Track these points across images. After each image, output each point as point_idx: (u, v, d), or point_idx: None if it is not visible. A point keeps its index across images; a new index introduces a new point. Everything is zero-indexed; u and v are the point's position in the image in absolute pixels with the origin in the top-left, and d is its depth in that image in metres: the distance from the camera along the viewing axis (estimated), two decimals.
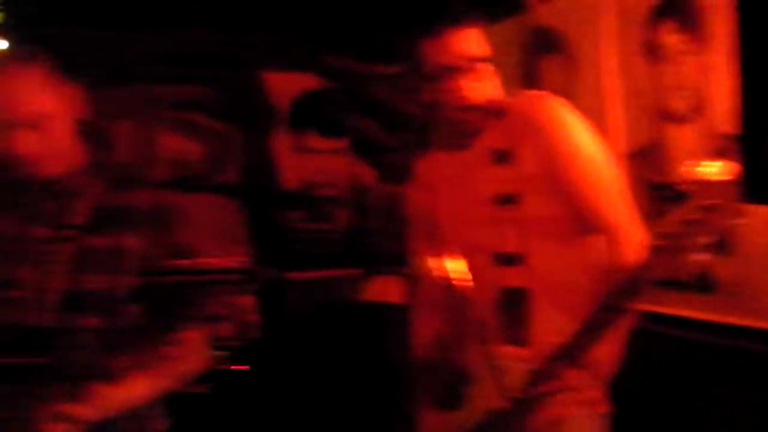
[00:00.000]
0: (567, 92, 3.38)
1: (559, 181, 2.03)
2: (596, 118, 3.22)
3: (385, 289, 4.41)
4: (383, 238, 4.74)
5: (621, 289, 1.77)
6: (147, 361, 1.94)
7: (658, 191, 2.95)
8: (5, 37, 4.76)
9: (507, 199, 2.05)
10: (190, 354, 2.00)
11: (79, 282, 1.96)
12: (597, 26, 3.27)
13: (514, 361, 1.96)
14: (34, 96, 1.93)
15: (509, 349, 2.00)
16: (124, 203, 2.03)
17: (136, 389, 1.94)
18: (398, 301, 4.29)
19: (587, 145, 2.06)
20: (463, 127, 2.09)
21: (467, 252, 2.07)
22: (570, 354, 1.84)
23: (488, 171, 2.08)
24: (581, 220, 2.06)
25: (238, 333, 2.02)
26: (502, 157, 2.06)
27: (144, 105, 5.27)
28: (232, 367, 3.82)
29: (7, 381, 1.90)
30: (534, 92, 2.16)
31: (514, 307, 2.05)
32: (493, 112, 2.08)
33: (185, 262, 1.99)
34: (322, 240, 5.20)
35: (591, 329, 1.82)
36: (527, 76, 3.71)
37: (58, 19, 4.70)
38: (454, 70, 2.02)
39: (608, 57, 3.23)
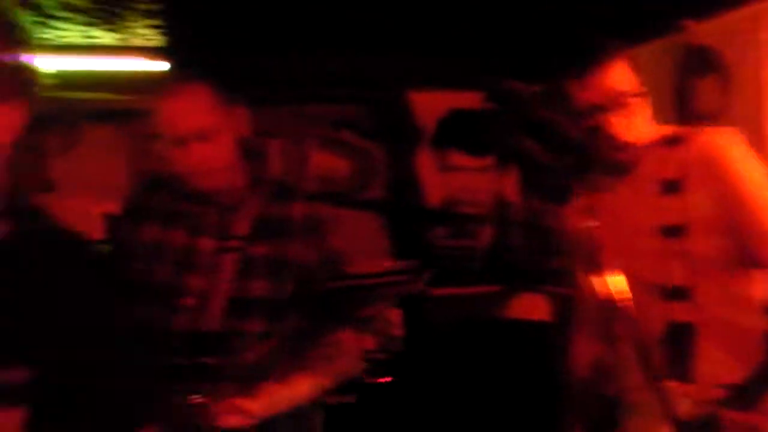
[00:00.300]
0: (724, 113, 3.32)
1: (731, 216, 1.99)
2: (755, 138, 3.18)
3: (531, 307, 4.40)
4: (527, 256, 4.74)
5: None
6: (307, 361, 2.04)
7: None
8: (166, 59, 5.05)
9: (674, 231, 2.01)
10: (345, 355, 2.06)
11: (244, 289, 2.06)
12: (757, 44, 3.20)
13: (678, 397, 1.92)
14: (203, 112, 2.08)
15: (673, 385, 1.96)
16: (282, 214, 2.14)
17: (299, 388, 2.03)
18: (545, 319, 4.28)
19: (761, 180, 2.01)
20: (617, 163, 2.06)
21: (631, 282, 2.06)
22: (747, 398, 1.81)
23: (656, 201, 2.05)
24: (753, 257, 2.01)
25: (383, 346, 2.07)
26: (672, 187, 2.03)
27: (296, 124, 5.46)
28: (376, 380, 3.89)
29: (183, 380, 2.01)
30: (712, 127, 2.11)
31: (679, 342, 2.01)
32: (667, 141, 2.06)
33: (342, 269, 2.06)
34: (465, 257, 5.23)
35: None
36: (681, 97, 3.64)
37: (216, 42, 4.93)
38: (603, 108, 1.98)
39: (766, 74, 3.15)
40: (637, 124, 2.03)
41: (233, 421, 1.90)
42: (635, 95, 2.02)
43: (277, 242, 2.11)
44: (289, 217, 2.14)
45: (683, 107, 3.56)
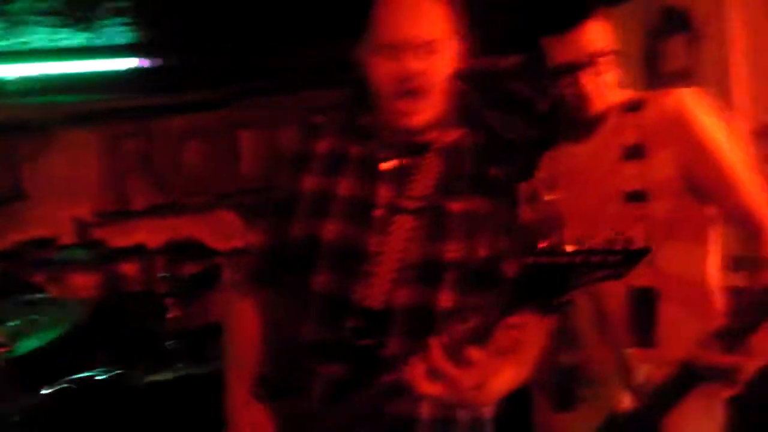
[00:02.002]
0: (692, 71, 3.28)
1: (694, 174, 1.98)
2: (722, 95, 3.13)
3: None
4: None
5: None
6: (501, 343, 1.66)
7: None
8: (138, 57, 4.99)
9: (636, 196, 1.99)
10: (535, 340, 1.77)
11: (436, 252, 1.73)
12: (723, 3, 3.15)
13: (641, 363, 1.91)
14: (436, 21, 1.76)
15: (634, 351, 1.94)
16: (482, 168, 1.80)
17: (504, 375, 1.70)
18: None
19: (722, 137, 1.99)
20: (586, 120, 2.05)
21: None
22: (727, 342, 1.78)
23: (618, 167, 2.03)
24: (719, 211, 2.00)
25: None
26: (633, 153, 2.01)
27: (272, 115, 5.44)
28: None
29: (364, 358, 1.70)
30: (671, 89, 2.08)
31: (641, 307, 1.98)
32: (627, 107, 2.04)
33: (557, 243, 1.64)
34: None
35: (746, 323, 1.76)
36: (651, 57, 3.60)
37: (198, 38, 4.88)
38: (578, 67, 1.98)
39: (735, 33, 3.09)
40: (607, 86, 2.01)
41: (435, 389, 1.57)
42: (608, 54, 2.01)
43: (477, 196, 1.77)
44: (488, 173, 1.77)
45: (652, 68, 3.52)
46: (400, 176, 1.78)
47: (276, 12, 4.54)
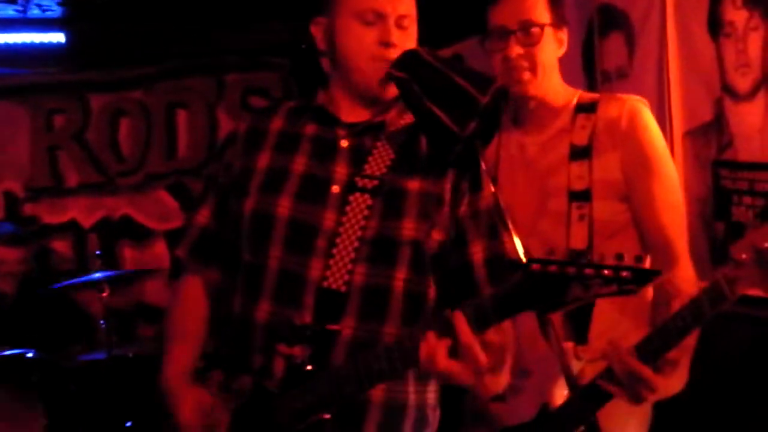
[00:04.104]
0: (627, 69, 3.34)
1: (633, 190, 2.04)
2: (656, 94, 3.21)
3: None
4: None
5: (697, 305, 1.71)
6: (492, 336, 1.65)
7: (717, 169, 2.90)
8: (65, 31, 4.88)
9: (581, 195, 2.03)
10: (512, 333, 1.78)
11: (393, 230, 1.72)
12: (659, 3, 3.21)
13: (574, 359, 1.94)
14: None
15: (569, 346, 1.97)
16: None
17: (508, 365, 1.75)
18: None
19: (668, 162, 2.07)
20: (531, 108, 2.09)
21: (534, 244, 2.05)
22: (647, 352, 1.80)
23: (565, 165, 2.07)
24: (643, 233, 2.06)
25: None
26: (581, 153, 2.06)
27: (207, 93, 5.38)
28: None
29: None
30: (624, 95, 2.14)
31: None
32: (580, 106, 2.09)
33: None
34: None
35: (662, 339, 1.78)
36: (587, 56, 3.66)
37: (118, 13, 4.79)
38: (508, 32, 2.02)
39: (670, 33, 3.17)
40: (542, 63, 2.05)
41: (455, 366, 1.55)
42: (542, 27, 2.05)
43: (432, 178, 1.76)
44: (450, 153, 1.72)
45: (589, 66, 3.57)
46: (356, 155, 1.78)
47: None
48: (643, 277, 1.38)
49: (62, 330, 4.12)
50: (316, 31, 1.84)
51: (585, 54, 3.66)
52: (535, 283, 1.45)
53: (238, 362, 1.77)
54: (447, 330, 1.54)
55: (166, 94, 5.32)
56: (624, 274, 1.37)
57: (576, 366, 1.92)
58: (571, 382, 1.71)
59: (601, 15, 3.59)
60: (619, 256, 1.38)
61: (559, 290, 1.44)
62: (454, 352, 1.54)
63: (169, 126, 5.37)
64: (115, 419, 3.74)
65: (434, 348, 1.54)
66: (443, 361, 1.54)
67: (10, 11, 4.71)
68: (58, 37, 4.81)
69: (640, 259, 1.38)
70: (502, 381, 1.74)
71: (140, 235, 5.15)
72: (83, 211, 5.17)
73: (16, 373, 3.53)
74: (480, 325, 1.54)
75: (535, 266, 1.43)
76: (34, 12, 4.75)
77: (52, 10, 4.74)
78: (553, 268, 1.41)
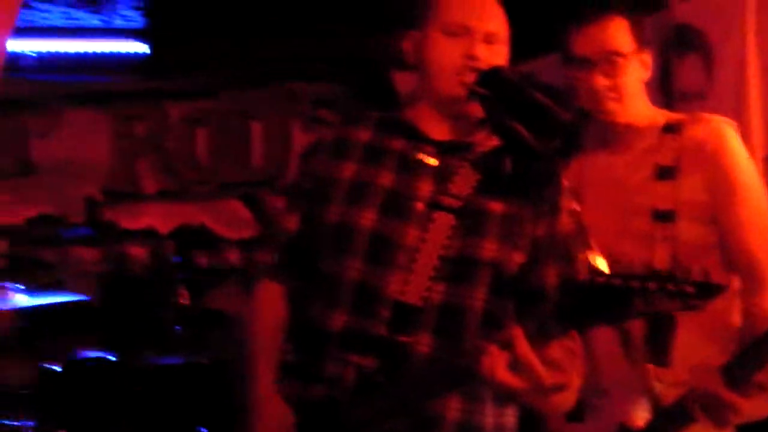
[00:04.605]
0: (705, 90, 3.30)
1: (719, 213, 2.02)
2: (735, 117, 3.15)
3: None
4: None
5: None
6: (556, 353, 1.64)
7: None
8: (147, 41, 5.01)
9: (664, 216, 2.02)
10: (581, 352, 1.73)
11: (474, 250, 1.73)
12: (739, 24, 3.18)
13: (655, 381, 1.94)
14: (498, 15, 1.84)
15: (650, 369, 1.97)
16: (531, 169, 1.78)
17: (575, 384, 1.70)
18: None
19: (755, 184, 2.04)
20: (619, 129, 2.07)
21: (615, 262, 2.05)
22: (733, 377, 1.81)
23: (649, 185, 2.05)
24: (729, 257, 2.04)
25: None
26: (666, 173, 2.04)
27: (280, 103, 5.46)
28: None
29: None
30: (711, 116, 2.12)
31: (659, 326, 1.99)
32: (665, 127, 2.07)
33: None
34: None
35: (752, 361, 1.79)
36: (664, 76, 3.63)
37: (198, 24, 4.89)
38: (592, 63, 2.00)
39: (750, 56, 3.13)
40: (628, 92, 2.03)
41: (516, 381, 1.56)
42: (628, 57, 2.01)
43: (516, 201, 1.76)
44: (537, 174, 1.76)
45: (666, 86, 3.55)
46: (442, 173, 1.78)
47: (295, 1, 4.58)
48: (707, 292, 1.36)
49: (137, 333, 4.21)
50: (407, 44, 1.85)
51: (661, 73, 3.63)
52: (598, 295, 1.45)
53: (310, 370, 1.78)
54: (508, 344, 1.55)
55: (240, 104, 5.43)
56: (688, 289, 1.36)
57: (657, 389, 1.92)
58: (653, 404, 1.71)
59: (677, 35, 3.57)
60: (704, 272, 1.38)
61: (621, 303, 1.44)
62: (515, 366, 1.55)
63: (243, 136, 5.47)
64: (189, 424, 3.80)
65: (495, 360, 1.55)
66: (502, 373, 1.55)
67: (95, 21, 4.86)
68: (140, 47, 4.94)
69: (707, 273, 1.37)
70: (569, 400, 1.72)
71: (214, 243, 5.24)
72: (160, 218, 5.28)
73: (97, 375, 3.62)
74: (541, 339, 1.55)
75: (599, 279, 1.44)
76: (118, 22, 4.89)
77: (134, 21, 4.87)
78: (617, 281, 1.41)
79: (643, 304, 1.41)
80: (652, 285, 1.39)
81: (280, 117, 5.45)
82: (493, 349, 1.56)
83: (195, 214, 5.31)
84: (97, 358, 3.67)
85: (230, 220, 5.30)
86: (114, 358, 3.69)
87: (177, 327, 4.03)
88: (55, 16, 4.78)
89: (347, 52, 5.14)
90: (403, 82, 5.13)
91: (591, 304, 1.49)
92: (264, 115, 5.46)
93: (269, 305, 1.93)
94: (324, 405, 1.73)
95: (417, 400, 1.66)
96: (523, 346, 1.54)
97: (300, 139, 5.30)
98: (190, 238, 5.19)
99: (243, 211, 5.31)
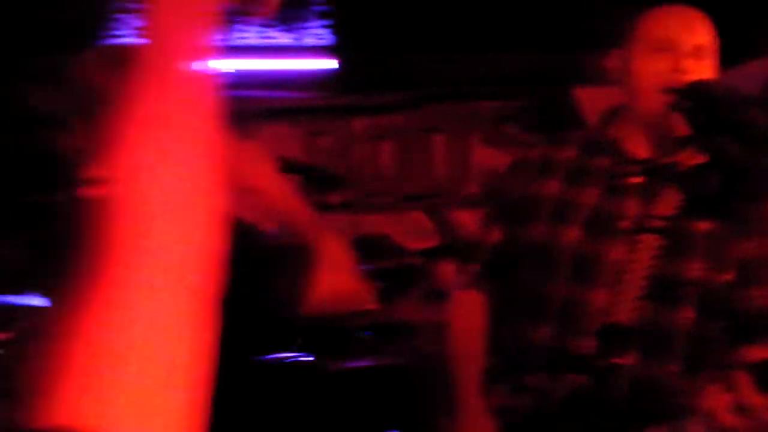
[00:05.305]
0: None
1: None
2: None
3: None
4: None
5: None
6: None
7: None
8: (335, 58, 5.22)
9: None
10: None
11: (679, 270, 1.74)
12: None
13: None
14: (705, 29, 1.82)
15: None
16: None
17: None
18: None
19: None
20: None
21: None
22: None
23: None
24: None
25: None
26: None
27: (460, 120, 5.54)
28: None
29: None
30: None
31: None
32: None
33: None
34: None
35: None
36: None
37: (382, 41, 5.05)
38: None
39: None
40: None
41: (741, 423, 1.60)
42: None
43: (722, 220, 1.77)
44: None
45: None
46: (647, 193, 1.81)
47: (476, 19, 4.65)
48: None
49: (322, 336, 4.36)
50: (611, 62, 1.89)
51: None
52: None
53: (516, 381, 1.84)
54: (732, 386, 1.58)
55: (423, 119, 5.56)
56: None
57: None
58: None
59: None
60: None
61: None
62: (740, 410, 1.57)
63: (425, 150, 5.60)
64: (378, 428, 3.91)
65: (717, 400, 1.59)
66: (724, 416, 1.58)
67: (286, 39, 5.11)
68: (329, 64, 5.15)
69: None
70: None
71: (397, 253, 5.37)
72: (344, 228, 5.46)
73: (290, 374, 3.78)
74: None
75: None
76: (308, 40, 5.12)
77: (324, 38, 5.09)
78: None
79: None
80: None
81: (461, 132, 5.55)
82: (714, 389, 1.59)
83: (377, 225, 5.46)
84: (284, 358, 3.83)
85: (413, 230, 5.42)
86: (301, 360, 3.84)
87: (366, 332, 4.16)
88: (251, 36, 5.06)
89: (529, 71, 5.17)
90: (588, 98, 5.13)
91: None
92: (445, 130, 5.56)
93: (471, 314, 2.00)
94: (530, 416, 1.79)
95: (623, 425, 1.69)
96: (748, 391, 1.57)
97: (480, 153, 5.37)
98: (372, 247, 5.33)
99: (425, 222, 5.42)
